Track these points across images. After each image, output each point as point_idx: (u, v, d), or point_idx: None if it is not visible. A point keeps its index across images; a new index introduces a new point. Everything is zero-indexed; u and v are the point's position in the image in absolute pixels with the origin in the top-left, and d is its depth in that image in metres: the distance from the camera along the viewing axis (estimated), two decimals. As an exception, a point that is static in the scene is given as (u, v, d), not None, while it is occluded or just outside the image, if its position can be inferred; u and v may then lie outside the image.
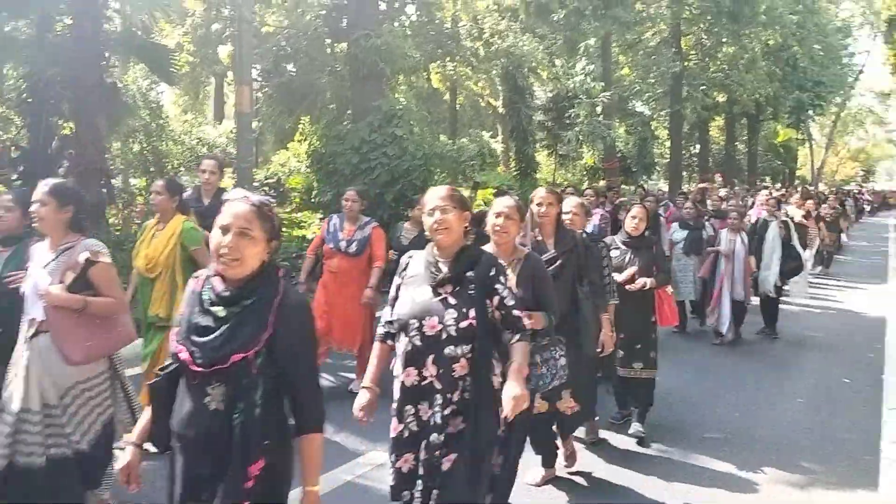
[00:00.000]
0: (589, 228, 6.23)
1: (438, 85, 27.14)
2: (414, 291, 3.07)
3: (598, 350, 4.69)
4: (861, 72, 48.44)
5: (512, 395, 2.83)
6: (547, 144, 21.31)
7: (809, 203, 14.84)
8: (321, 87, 14.60)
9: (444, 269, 3.03)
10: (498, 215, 3.69)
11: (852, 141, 64.07)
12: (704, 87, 25.95)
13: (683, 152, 31.15)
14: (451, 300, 2.97)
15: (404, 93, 19.30)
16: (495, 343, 3.05)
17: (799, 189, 20.10)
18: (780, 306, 9.56)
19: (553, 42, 21.28)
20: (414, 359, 2.97)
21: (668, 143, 29.70)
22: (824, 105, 35.72)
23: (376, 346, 3.27)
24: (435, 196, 3.09)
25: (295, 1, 15.52)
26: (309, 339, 2.45)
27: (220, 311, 2.34)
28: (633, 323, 5.52)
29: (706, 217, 10.37)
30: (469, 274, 3.02)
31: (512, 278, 3.55)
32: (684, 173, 32.20)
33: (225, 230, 2.34)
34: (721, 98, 29.71)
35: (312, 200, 13.76)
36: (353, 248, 6.18)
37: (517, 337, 3.04)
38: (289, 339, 2.34)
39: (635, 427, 5.45)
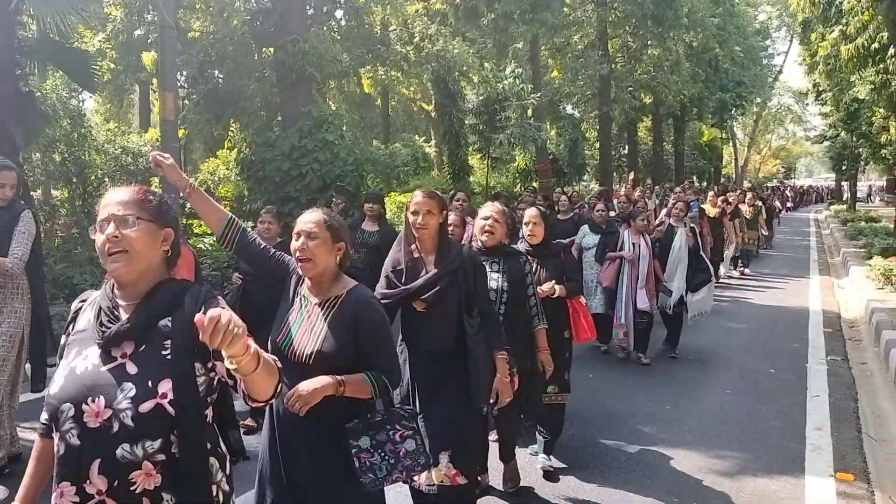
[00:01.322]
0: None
1: (370, 90, 27.04)
2: (76, 357, 1.89)
3: (492, 401, 3.66)
4: (780, 72, 50.48)
5: None
6: (479, 148, 21.37)
7: (723, 200, 14.36)
8: (250, 93, 14.39)
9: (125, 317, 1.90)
10: (298, 236, 2.71)
11: (773, 139, 66.49)
12: (631, 88, 26.54)
13: (613, 153, 31.76)
14: (131, 367, 1.82)
15: (335, 98, 19.16)
16: (221, 429, 2.04)
17: (715, 187, 20.18)
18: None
19: (483, 46, 21.42)
20: (70, 467, 1.81)
21: (598, 145, 30.23)
22: (746, 105, 37.09)
23: (36, 442, 2.03)
24: (112, 200, 1.94)
25: (220, 5, 15.25)
26: None
27: None
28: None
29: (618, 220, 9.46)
30: (164, 323, 1.88)
31: (321, 324, 2.67)
32: (615, 174, 32.83)
33: None
34: (647, 99, 30.44)
35: (244, 209, 13.52)
36: None
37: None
38: None
39: (543, 460, 4.87)
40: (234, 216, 2.82)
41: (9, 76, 9.05)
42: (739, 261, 15.26)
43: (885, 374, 7.27)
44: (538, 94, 19.28)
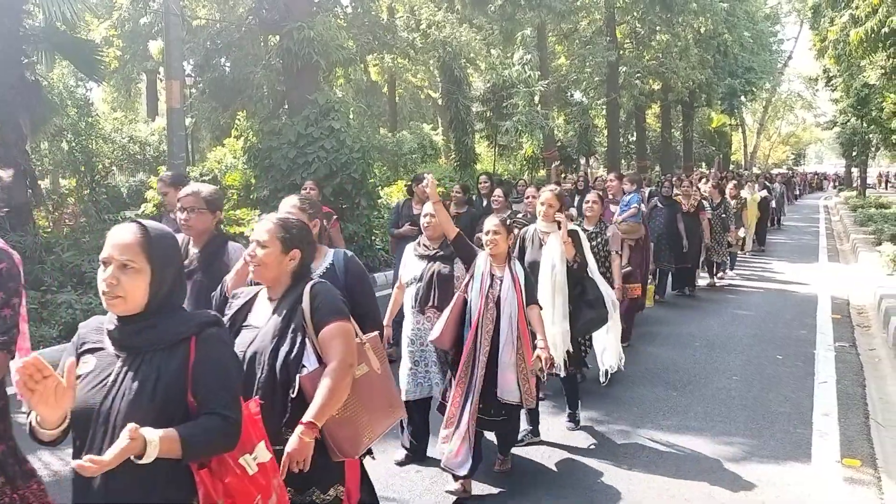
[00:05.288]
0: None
1: (377, 78, 27.01)
2: None
3: None
4: (790, 58, 50.10)
5: None
6: (486, 135, 21.34)
7: (694, 187, 11.44)
8: (256, 81, 14.38)
9: None
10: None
11: (783, 125, 66.12)
12: (640, 75, 26.41)
13: (621, 140, 31.66)
14: None
15: (342, 86, 19.12)
16: None
17: (710, 173, 18.84)
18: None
19: (490, 32, 21.35)
20: None
21: (606, 132, 30.15)
22: (755, 91, 36.84)
23: None
24: None
25: (226, -7, 15.25)
26: None
27: None
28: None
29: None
30: None
31: None
32: (623, 161, 32.75)
33: None
34: (656, 86, 30.28)
35: (251, 197, 13.54)
36: None
37: None
38: None
39: None
40: None
41: (15, 65, 9.09)
42: (717, 266, 12.07)
43: (894, 360, 7.25)
44: (546, 81, 19.23)
